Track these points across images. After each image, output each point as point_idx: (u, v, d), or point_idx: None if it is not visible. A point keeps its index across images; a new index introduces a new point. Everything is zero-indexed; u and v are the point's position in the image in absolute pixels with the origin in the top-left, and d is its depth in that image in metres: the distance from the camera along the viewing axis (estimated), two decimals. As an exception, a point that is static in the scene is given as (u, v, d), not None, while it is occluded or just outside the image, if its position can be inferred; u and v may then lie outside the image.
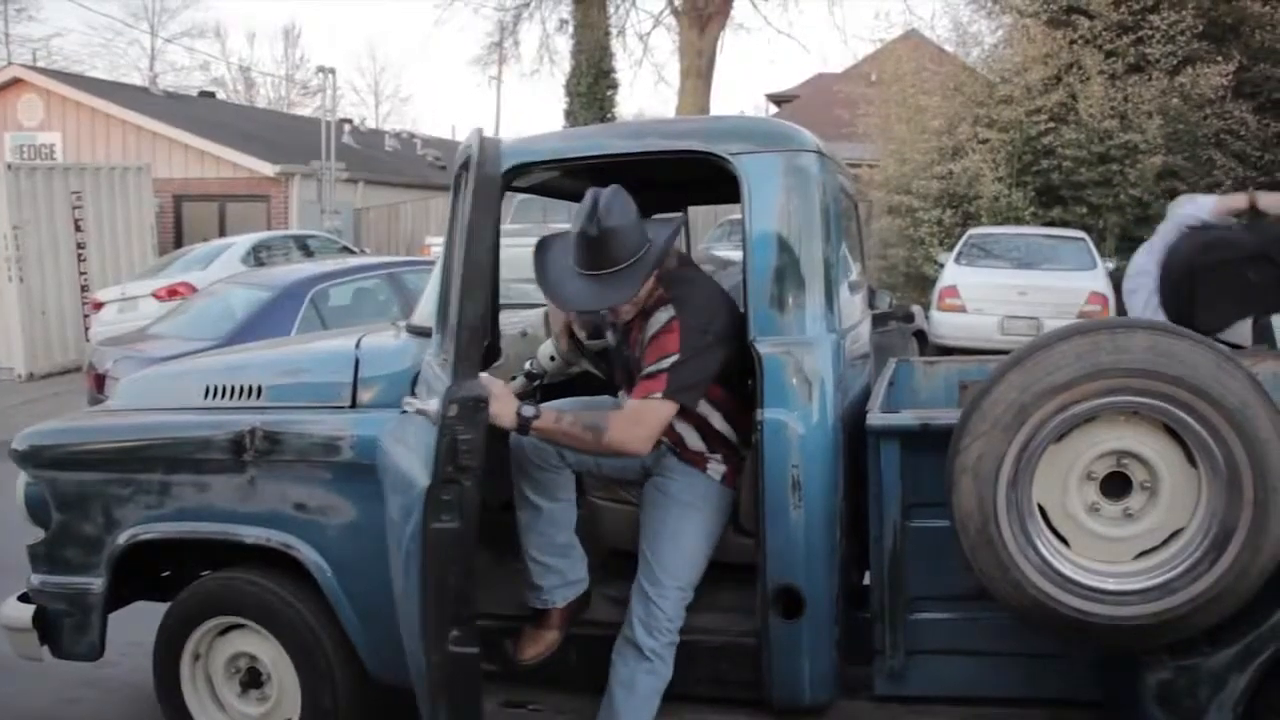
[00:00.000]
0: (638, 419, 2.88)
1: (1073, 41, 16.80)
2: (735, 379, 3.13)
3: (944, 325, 10.12)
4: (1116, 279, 13.98)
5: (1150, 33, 16.68)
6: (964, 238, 12.48)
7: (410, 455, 2.89)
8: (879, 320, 8.33)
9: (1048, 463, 2.66)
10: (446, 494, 2.62)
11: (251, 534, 3.44)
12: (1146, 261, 4.37)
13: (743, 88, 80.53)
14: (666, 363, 2.86)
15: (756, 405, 2.97)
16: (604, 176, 3.11)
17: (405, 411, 2.88)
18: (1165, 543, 2.66)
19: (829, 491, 2.98)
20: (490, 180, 2.78)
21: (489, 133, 2.88)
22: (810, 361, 2.99)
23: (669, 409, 2.89)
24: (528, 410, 2.82)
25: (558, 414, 2.91)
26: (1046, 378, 2.58)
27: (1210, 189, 16.28)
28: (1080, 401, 2.57)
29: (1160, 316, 4.10)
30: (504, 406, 2.76)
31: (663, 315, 2.94)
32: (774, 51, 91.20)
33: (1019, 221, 15.59)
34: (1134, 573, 2.67)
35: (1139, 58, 16.77)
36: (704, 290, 3.10)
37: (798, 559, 2.97)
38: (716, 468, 3.14)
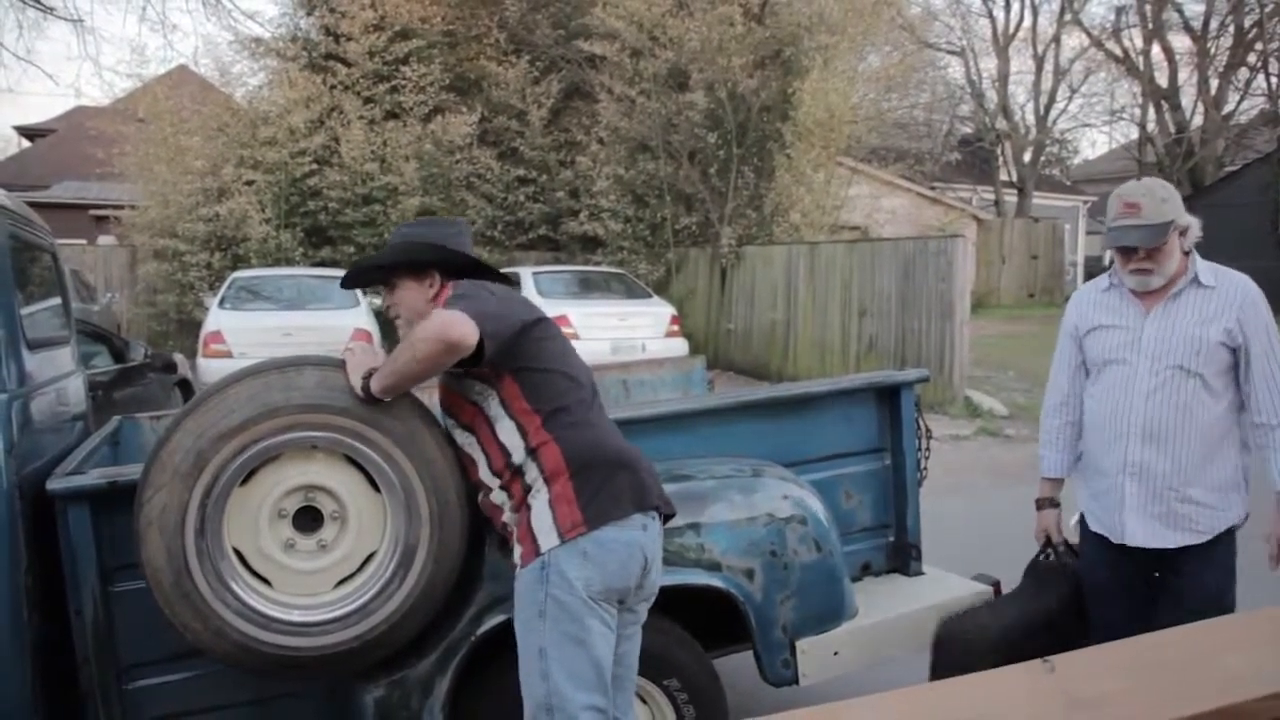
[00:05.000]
0: (445, 318, 2.52)
1: (333, 87, 17.39)
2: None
3: (211, 372, 9.81)
4: (386, 315, 14.66)
5: (404, 82, 17.82)
6: (229, 281, 12.28)
7: None
8: (135, 373, 7.87)
9: (236, 506, 2.64)
10: None
11: None
12: None
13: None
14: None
15: None
16: None
17: None
18: (361, 568, 2.77)
19: (8, 568, 2.69)
20: None
21: None
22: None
23: (460, 318, 2.49)
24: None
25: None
26: (222, 421, 2.56)
27: (465, 227, 17.68)
28: (258, 441, 2.59)
29: None
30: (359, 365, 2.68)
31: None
32: (18, 80, 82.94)
33: (289, 263, 15.74)
34: (335, 601, 2.74)
35: (395, 105, 17.84)
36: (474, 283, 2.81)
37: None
38: (546, 525, 2.62)
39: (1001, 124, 31.41)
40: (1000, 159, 31.80)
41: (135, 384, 7.82)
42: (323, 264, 16.03)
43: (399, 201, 16.74)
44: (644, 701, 3.23)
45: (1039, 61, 31.40)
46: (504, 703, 2.97)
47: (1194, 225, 3.19)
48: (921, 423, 3.95)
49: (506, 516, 2.69)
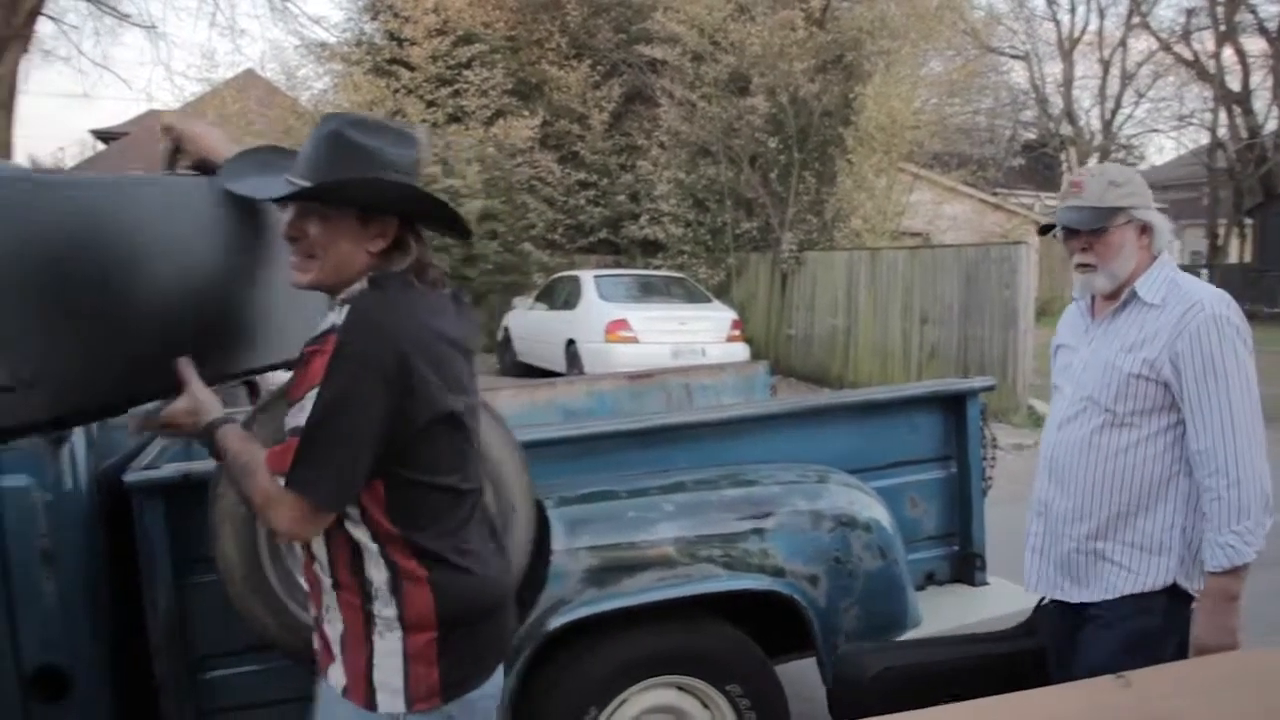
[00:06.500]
0: (270, 501, 1.89)
1: (397, 90, 17.62)
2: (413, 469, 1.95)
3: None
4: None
5: (466, 86, 18.00)
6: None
7: None
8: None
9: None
10: None
11: None
12: None
13: (66, 121, 74.10)
14: (301, 418, 1.85)
15: None
16: None
17: None
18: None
19: (87, 559, 2.76)
20: None
21: None
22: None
23: (304, 511, 1.87)
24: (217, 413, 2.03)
25: (240, 432, 2.02)
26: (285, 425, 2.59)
27: (526, 230, 17.85)
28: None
29: None
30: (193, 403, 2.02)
31: (333, 317, 1.91)
32: (94, 85, 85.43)
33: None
34: (402, 600, 2.76)
35: (457, 109, 18.03)
36: (401, 307, 1.93)
37: (57, 636, 2.72)
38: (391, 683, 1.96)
39: (1066, 129, 31.03)
40: (1064, 165, 31.40)
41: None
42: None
43: (461, 204, 16.85)
44: (705, 706, 3.23)
45: (1105, 65, 31.02)
46: (565, 699, 3.03)
47: (1160, 226, 2.68)
48: (987, 431, 3.91)
49: (325, 613, 2.03)
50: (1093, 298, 2.78)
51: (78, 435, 2.77)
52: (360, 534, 1.93)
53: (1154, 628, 2.59)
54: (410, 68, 18.02)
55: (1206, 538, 2.50)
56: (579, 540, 2.98)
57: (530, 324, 15.09)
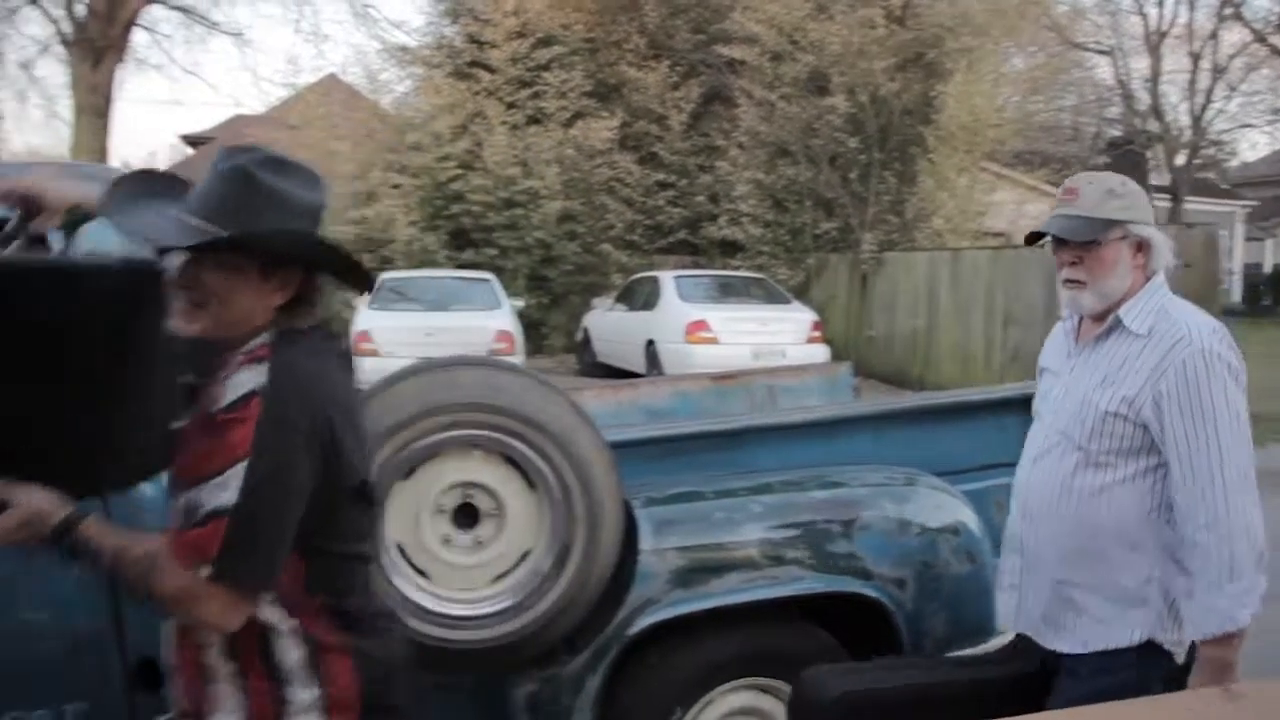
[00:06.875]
0: (192, 596, 1.65)
1: (477, 93, 17.84)
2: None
3: (360, 370, 10.17)
4: (526, 317, 14.96)
5: (545, 88, 18.16)
6: (379, 282, 12.69)
7: None
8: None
9: (397, 500, 2.71)
10: None
11: None
12: None
13: (156, 127, 76.09)
14: (225, 497, 1.61)
15: None
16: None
17: None
18: (517, 565, 2.82)
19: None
20: None
21: None
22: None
23: (237, 600, 1.67)
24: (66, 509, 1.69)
25: (107, 524, 1.74)
26: (386, 417, 2.63)
27: (605, 231, 17.93)
28: (420, 438, 2.65)
29: None
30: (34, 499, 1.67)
31: (246, 378, 1.68)
32: (184, 91, 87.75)
33: (433, 265, 16.15)
34: (490, 596, 2.79)
35: (537, 110, 18.21)
36: (315, 367, 1.75)
37: (157, 629, 2.79)
38: None
39: (1153, 126, 30.32)
40: (1152, 163, 30.69)
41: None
42: (465, 266, 16.42)
43: (540, 205, 17.02)
44: (789, 708, 3.21)
45: (1195, 59, 30.21)
46: (650, 700, 3.02)
47: (1159, 245, 2.43)
48: (1077, 434, 3.84)
49: (215, 705, 1.77)
50: (1080, 319, 2.55)
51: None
52: (272, 613, 1.73)
53: (1129, 684, 2.30)
54: (490, 70, 18.23)
55: (1196, 600, 2.26)
56: (666, 541, 2.97)
57: (610, 324, 15.15)
